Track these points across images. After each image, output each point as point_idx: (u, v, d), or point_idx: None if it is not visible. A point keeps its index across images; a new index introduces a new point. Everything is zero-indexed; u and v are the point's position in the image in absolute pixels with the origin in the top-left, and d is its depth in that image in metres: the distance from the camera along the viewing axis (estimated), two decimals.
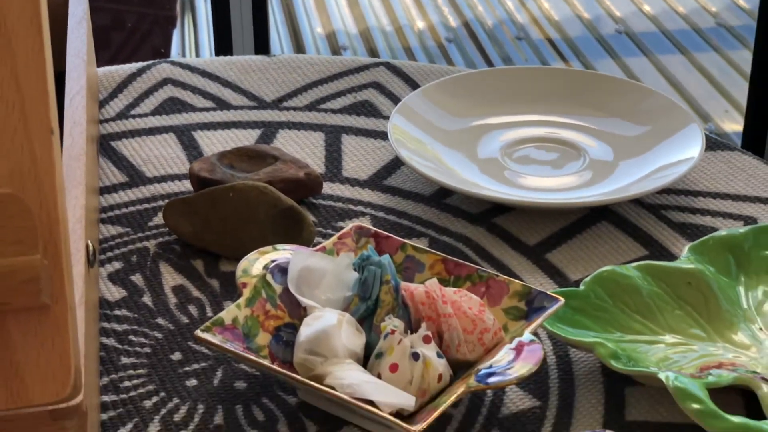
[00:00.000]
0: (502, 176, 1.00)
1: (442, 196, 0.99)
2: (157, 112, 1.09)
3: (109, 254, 0.92)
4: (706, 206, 0.97)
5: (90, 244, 0.79)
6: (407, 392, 0.74)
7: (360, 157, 1.04)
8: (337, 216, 0.96)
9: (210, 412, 0.78)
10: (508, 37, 3.26)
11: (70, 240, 0.64)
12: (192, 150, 1.04)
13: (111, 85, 1.13)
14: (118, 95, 1.12)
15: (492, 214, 0.97)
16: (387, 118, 1.08)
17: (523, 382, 0.80)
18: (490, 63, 3.08)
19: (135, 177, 1.01)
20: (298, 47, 3.12)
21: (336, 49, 3.13)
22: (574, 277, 0.90)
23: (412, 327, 0.79)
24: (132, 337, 0.84)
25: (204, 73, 1.15)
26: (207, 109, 1.10)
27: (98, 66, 1.14)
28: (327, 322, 0.77)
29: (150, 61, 1.17)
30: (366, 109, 1.10)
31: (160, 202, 0.97)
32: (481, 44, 3.22)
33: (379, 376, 0.75)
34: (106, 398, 0.79)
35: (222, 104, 1.11)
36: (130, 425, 0.77)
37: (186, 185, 0.99)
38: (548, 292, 0.81)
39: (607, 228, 0.95)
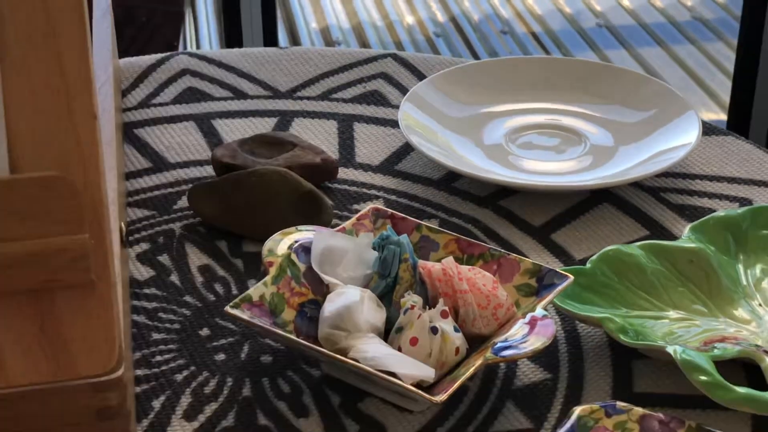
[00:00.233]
0: (507, 161, 1.00)
1: (450, 180, 0.99)
2: (177, 101, 1.09)
3: (137, 236, 0.92)
4: (703, 188, 0.98)
5: (123, 225, 0.79)
6: (427, 365, 0.75)
7: (372, 144, 1.04)
8: (351, 199, 0.96)
9: (238, 385, 0.78)
10: (494, 32, 3.26)
11: (110, 216, 0.64)
12: (212, 137, 1.04)
13: (132, 76, 1.12)
14: (140, 85, 1.11)
15: (498, 197, 0.97)
16: (396, 106, 1.08)
17: (535, 356, 0.80)
18: (476, 56, 3.07)
19: (158, 163, 1.00)
20: (294, 41, 3.11)
21: (330, 43, 3.12)
22: (578, 256, 0.90)
23: (429, 303, 0.79)
24: (162, 314, 0.84)
25: (220, 64, 1.15)
26: (225, 99, 1.10)
27: None
28: (350, 299, 0.77)
29: (168, 53, 1.17)
30: (375, 98, 1.10)
31: (184, 187, 0.97)
32: (468, 38, 3.21)
33: (399, 350, 0.76)
34: (139, 372, 0.79)
35: (239, 94, 1.10)
36: (162, 397, 0.77)
37: (207, 170, 0.99)
38: (558, 270, 0.81)
39: (609, 210, 0.95)
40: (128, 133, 1.04)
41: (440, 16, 3.33)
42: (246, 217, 0.90)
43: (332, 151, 1.02)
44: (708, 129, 1.05)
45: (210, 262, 0.89)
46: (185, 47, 2.71)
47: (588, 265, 0.84)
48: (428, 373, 0.74)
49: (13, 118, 0.61)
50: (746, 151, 1.02)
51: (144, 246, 0.91)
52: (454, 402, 0.77)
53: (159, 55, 1.15)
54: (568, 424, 0.72)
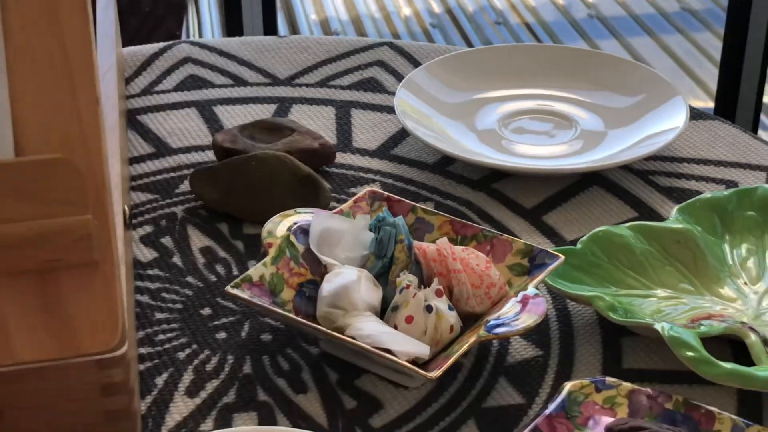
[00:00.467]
0: (500, 145, 1.00)
1: (445, 164, 0.98)
2: (179, 88, 1.09)
3: (140, 219, 0.91)
4: (691, 171, 0.97)
5: (126, 208, 0.78)
6: (422, 342, 0.75)
7: (368, 129, 1.03)
8: (349, 183, 0.96)
9: (239, 363, 0.78)
10: (488, 22, 3.25)
11: (113, 198, 0.64)
12: (213, 123, 1.04)
13: (135, 64, 1.12)
14: (142, 73, 1.11)
15: (491, 180, 0.97)
16: (392, 93, 1.08)
17: (527, 334, 0.80)
18: (471, 46, 3.06)
19: (161, 148, 1.00)
20: (294, 32, 3.11)
21: (329, 35, 3.12)
22: (569, 237, 0.90)
23: (424, 282, 0.79)
24: (164, 295, 0.84)
25: (221, 53, 1.14)
26: (225, 86, 1.09)
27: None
28: (347, 278, 0.77)
29: (171, 42, 1.16)
30: (372, 85, 1.10)
31: (185, 171, 0.97)
32: (463, 29, 3.21)
33: (395, 328, 0.75)
34: (142, 350, 0.79)
35: (239, 81, 1.10)
36: (165, 375, 0.77)
37: (208, 155, 0.99)
38: (549, 250, 0.81)
39: (599, 192, 0.95)
40: (131, 119, 1.04)
41: (436, 8, 3.33)
42: (246, 201, 0.90)
43: (330, 136, 1.02)
44: (695, 114, 1.05)
45: (211, 244, 0.89)
46: (188, 37, 2.71)
47: (578, 245, 0.84)
48: (423, 350, 0.74)
49: (17, 103, 0.61)
50: (732, 135, 1.02)
51: (147, 228, 0.90)
52: (448, 378, 0.77)
53: (161, 44, 1.15)
54: (558, 399, 0.72)
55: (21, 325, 0.60)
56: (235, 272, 0.86)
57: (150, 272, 0.86)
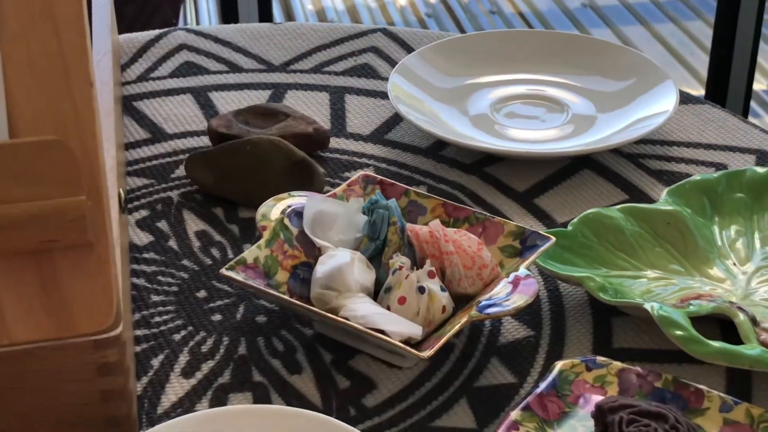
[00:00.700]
0: (493, 129, 1.00)
1: (438, 149, 0.98)
2: (174, 75, 1.08)
3: (136, 203, 0.91)
4: (680, 155, 0.97)
5: (121, 191, 0.78)
6: (414, 323, 0.75)
7: (362, 115, 1.03)
8: (343, 167, 0.96)
9: (234, 344, 0.78)
10: (483, 12, 3.24)
11: (108, 181, 0.64)
12: (208, 109, 1.03)
13: (131, 51, 1.12)
14: (138, 60, 1.11)
15: (484, 164, 0.96)
16: (385, 79, 1.07)
17: (518, 314, 0.80)
18: None
19: (157, 134, 1.00)
20: (290, 21, 3.10)
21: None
22: (560, 220, 0.90)
23: (417, 264, 0.79)
24: (160, 278, 0.84)
25: (216, 40, 1.14)
26: (220, 72, 1.09)
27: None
28: (341, 260, 0.77)
29: (166, 29, 1.16)
30: (366, 71, 1.10)
31: (181, 156, 0.97)
32: (458, 18, 3.20)
33: (388, 309, 0.75)
34: (138, 332, 0.79)
35: (234, 67, 1.10)
36: (161, 356, 0.77)
37: (204, 141, 0.99)
38: (540, 232, 0.81)
39: (590, 175, 0.95)
40: (127, 105, 1.04)
41: None
42: (241, 185, 0.90)
43: (324, 121, 1.02)
44: (685, 98, 1.04)
45: (207, 227, 0.89)
46: (185, 26, 2.70)
47: (569, 227, 0.84)
48: (416, 330, 0.74)
49: (12, 86, 0.60)
50: (722, 118, 1.02)
51: (143, 213, 0.90)
52: (441, 358, 0.77)
53: (157, 31, 1.15)
54: (549, 378, 0.72)
55: (16, 305, 0.60)
56: (230, 255, 0.86)
57: (146, 256, 0.86)
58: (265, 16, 1.95)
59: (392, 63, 1.10)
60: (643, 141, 0.98)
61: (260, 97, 1.05)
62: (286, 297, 0.76)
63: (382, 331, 0.73)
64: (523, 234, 0.81)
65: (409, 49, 1.13)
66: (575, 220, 0.84)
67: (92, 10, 0.98)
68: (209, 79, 1.08)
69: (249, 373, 0.76)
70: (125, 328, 0.67)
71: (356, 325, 0.73)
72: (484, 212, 0.83)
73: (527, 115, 1.02)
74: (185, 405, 0.73)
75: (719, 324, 0.78)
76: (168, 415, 0.72)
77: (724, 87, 2.05)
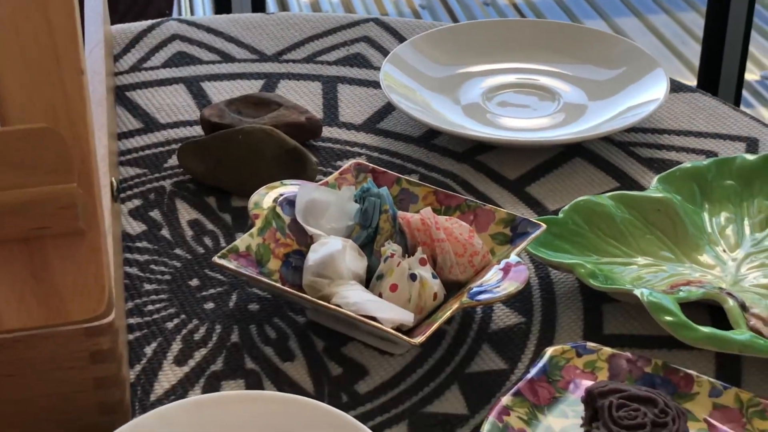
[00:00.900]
0: (484, 118, 1.00)
1: (430, 137, 0.98)
2: (167, 65, 1.08)
3: (129, 193, 0.91)
4: (671, 142, 0.97)
5: (114, 180, 0.78)
6: (406, 310, 0.75)
7: (354, 104, 1.03)
8: (335, 156, 0.96)
9: (227, 332, 0.78)
10: (477, 3, 3.24)
11: (99, 166, 0.64)
12: (201, 99, 1.03)
13: (124, 41, 1.12)
14: (131, 50, 1.11)
15: (476, 153, 0.97)
16: (378, 68, 1.07)
17: (509, 301, 0.80)
18: None
19: (149, 123, 1.00)
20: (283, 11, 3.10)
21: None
22: (551, 208, 0.90)
23: (408, 251, 0.79)
24: (153, 266, 0.84)
25: (209, 30, 1.14)
26: (213, 62, 1.09)
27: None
28: (332, 248, 0.77)
29: (159, 19, 1.16)
30: (358, 60, 1.10)
31: (174, 146, 0.97)
32: (452, 10, 3.20)
33: (380, 296, 0.76)
34: (131, 321, 0.79)
35: (227, 57, 1.10)
36: (154, 344, 0.77)
37: (196, 130, 0.99)
38: (531, 219, 0.81)
39: (581, 163, 0.95)
40: (120, 95, 1.04)
41: None
42: (233, 174, 0.90)
43: (317, 111, 1.02)
44: (676, 86, 1.05)
45: (199, 216, 0.89)
46: (179, 15, 2.70)
47: (560, 214, 0.84)
48: (407, 317, 0.74)
49: (2, 75, 0.60)
50: (713, 106, 1.02)
51: (136, 202, 0.90)
52: (432, 345, 0.77)
53: (150, 22, 1.15)
54: (540, 364, 0.72)
55: (8, 293, 0.60)
56: (223, 244, 0.86)
57: (139, 245, 0.86)
58: (258, 6, 1.95)
59: (384, 53, 1.10)
60: (634, 129, 0.98)
61: (253, 87, 1.05)
62: (279, 285, 0.77)
63: (373, 318, 0.73)
64: (514, 221, 0.81)
65: (401, 39, 1.13)
66: (566, 207, 0.84)
67: (84, 1, 0.98)
68: (202, 69, 1.08)
69: (241, 360, 0.76)
70: (118, 317, 0.67)
71: (348, 312, 0.74)
72: (476, 200, 0.83)
73: (519, 104, 1.02)
74: (178, 392, 0.73)
75: (709, 310, 0.78)
76: (161, 402, 0.72)
77: (716, 77, 2.05)
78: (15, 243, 0.60)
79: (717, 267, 0.81)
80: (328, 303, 0.75)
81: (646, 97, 0.98)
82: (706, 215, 0.86)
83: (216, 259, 0.77)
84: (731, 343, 0.72)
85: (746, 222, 0.85)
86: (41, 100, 0.60)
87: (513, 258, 0.77)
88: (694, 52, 2.87)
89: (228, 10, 1.92)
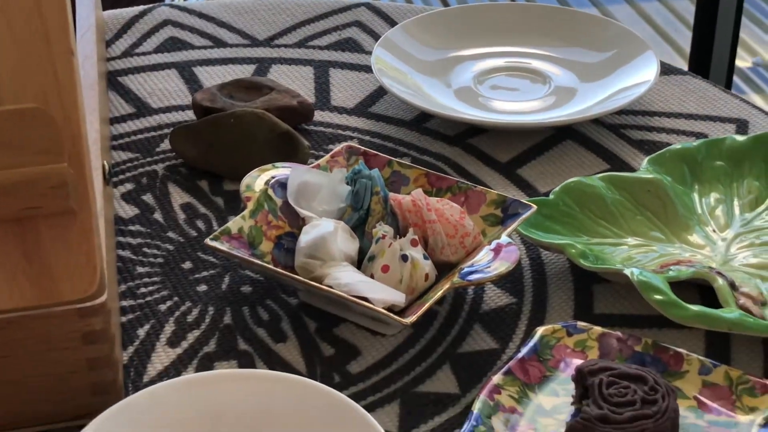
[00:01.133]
0: (476, 101, 1.00)
1: (421, 121, 0.98)
2: (159, 50, 1.08)
3: (122, 177, 0.91)
4: (661, 125, 0.97)
5: (105, 163, 0.78)
6: (398, 290, 0.75)
7: (346, 88, 1.03)
8: (327, 140, 0.96)
9: (219, 314, 0.78)
10: None
11: (90, 149, 0.64)
12: (193, 84, 1.03)
13: (116, 27, 1.11)
14: (123, 36, 1.10)
15: (467, 136, 0.97)
16: (369, 53, 1.07)
17: (501, 282, 0.80)
18: None
19: (142, 108, 1.00)
20: None
21: None
22: (542, 190, 0.90)
23: (400, 233, 0.79)
24: (146, 249, 0.84)
25: (201, 15, 1.14)
26: (205, 47, 1.09)
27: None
28: (324, 230, 0.77)
29: (150, 5, 1.16)
30: (350, 45, 1.10)
31: (166, 130, 0.97)
32: None
33: (372, 277, 0.76)
34: (124, 303, 0.79)
35: (219, 42, 1.10)
36: (147, 326, 0.77)
37: (188, 115, 0.99)
38: (522, 200, 0.81)
39: (572, 146, 0.95)
40: (113, 81, 1.03)
41: None
42: (225, 157, 0.90)
43: (309, 95, 1.02)
44: (666, 69, 1.05)
45: (192, 200, 0.89)
46: (171, 0, 2.69)
47: (551, 196, 0.84)
48: (399, 297, 0.74)
49: None
50: (703, 89, 1.02)
51: (128, 186, 0.90)
52: (424, 326, 0.77)
53: (141, 7, 1.14)
54: (531, 343, 0.72)
55: (1, 273, 0.60)
56: (215, 227, 0.86)
57: (131, 228, 0.86)
58: None
59: (376, 37, 1.10)
60: (624, 112, 0.98)
61: (245, 72, 1.05)
62: (271, 266, 0.77)
63: (365, 299, 0.73)
64: (504, 202, 0.81)
65: (392, 23, 1.12)
66: (557, 189, 0.84)
67: None
68: (194, 54, 1.08)
69: (234, 341, 0.76)
70: (111, 298, 0.67)
71: (340, 293, 0.74)
72: (467, 182, 0.83)
73: (510, 87, 1.02)
74: (171, 373, 0.73)
75: (698, 289, 0.79)
76: (154, 383, 0.72)
77: (707, 64, 2.05)
78: (7, 223, 0.60)
79: (707, 247, 0.82)
80: (320, 284, 0.75)
81: (637, 79, 0.98)
82: (696, 196, 0.86)
83: (208, 241, 0.77)
84: (721, 321, 0.72)
85: (736, 202, 0.85)
86: (31, 81, 0.60)
87: (504, 239, 0.77)
88: (685, 39, 2.86)
89: None
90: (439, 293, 0.73)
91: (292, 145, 0.90)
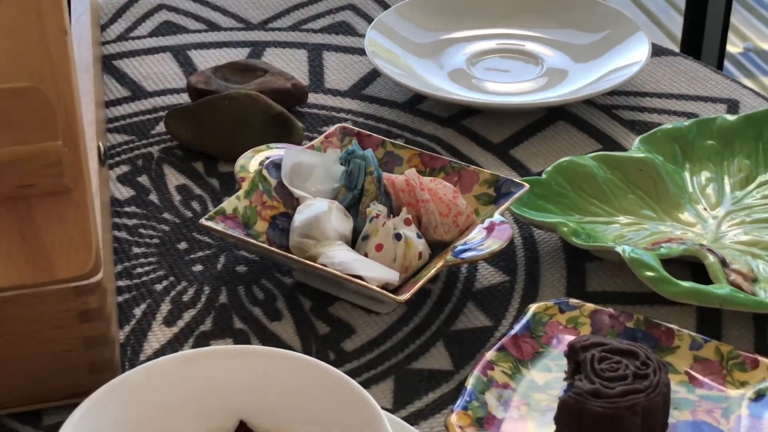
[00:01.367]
0: (469, 83, 1.00)
1: (415, 103, 0.98)
2: (154, 34, 1.08)
3: (117, 159, 0.91)
4: (653, 105, 0.97)
5: (101, 145, 0.78)
6: (392, 269, 0.75)
7: (340, 71, 1.03)
8: (321, 122, 0.96)
9: (215, 293, 0.78)
10: None
11: (85, 130, 0.63)
12: (188, 67, 1.03)
13: (111, 11, 1.11)
14: (118, 20, 1.10)
15: (460, 117, 0.96)
16: (363, 36, 1.07)
17: (494, 260, 0.80)
18: None
19: (137, 91, 0.99)
20: None
21: None
22: (535, 170, 0.90)
23: (393, 212, 0.79)
24: (142, 230, 0.84)
25: None
26: (199, 31, 1.08)
27: None
28: (318, 209, 0.77)
29: None
30: (344, 28, 1.09)
31: (161, 113, 0.96)
32: None
33: (366, 256, 0.75)
34: (121, 283, 0.79)
35: (213, 26, 1.09)
36: (143, 305, 0.77)
37: (183, 98, 0.99)
38: (514, 180, 0.81)
39: (564, 126, 0.95)
40: (108, 64, 1.03)
41: None
42: (220, 139, 0.90)
43: (303, 78, 1.02)
44: (658, 50, 1.04)
45: (187, 181, 0.89)
46: None
47: (543, 175, 0.84)
48: (393, 276, 0.74)
49: None
50: (694, 69, 1.02)
51: (124, 168, 0.90)
52: (418, 304, 0.77)
53: None
54: (524, 320, 0.72)
55: None
56: (211, 208, 0.86)
57: (127, 209, 0.86)
58: None
59: (369, 20, 1.10)
60: (616, 92, 0.98)
61: (239, 55, 1.05)
62: (266, 246, 0.76)
63: (360, 277, 0.73)
64: (497, 182, 0.81)
65: (385, 6, 1.12)
66: (549, 168, 0.84)
67: None
68: (188, 38, 1.07)
69: (230, 320, 0.76)
70: (107, 278, 0.67)
71: (335, 271, 0.73)
72: (460, 161, 0.83)
73: (503, 69, 1.02)
74: (167, 351, 0.73)
75: (690, 266, 0.79)
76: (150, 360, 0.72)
77: (698, 48, 2.05)
78: (1, 201, 0.60)
79: (698, 225, 0.82)
80: (315, 263, 0.75)
81: (628, 59, 0.98)
82: (687, 175, 0.86)
83: (203, 221, 0.76)
84: (712, 297, 0.72)
85: (726, 181, 0.85)
86: (25, 60, 0.60)
87: (497, 217, 0.77)
88: (677, 24, 2.86)
89: None
90: (433, 271, 0.73)
91: (287, 127, 0.90)
